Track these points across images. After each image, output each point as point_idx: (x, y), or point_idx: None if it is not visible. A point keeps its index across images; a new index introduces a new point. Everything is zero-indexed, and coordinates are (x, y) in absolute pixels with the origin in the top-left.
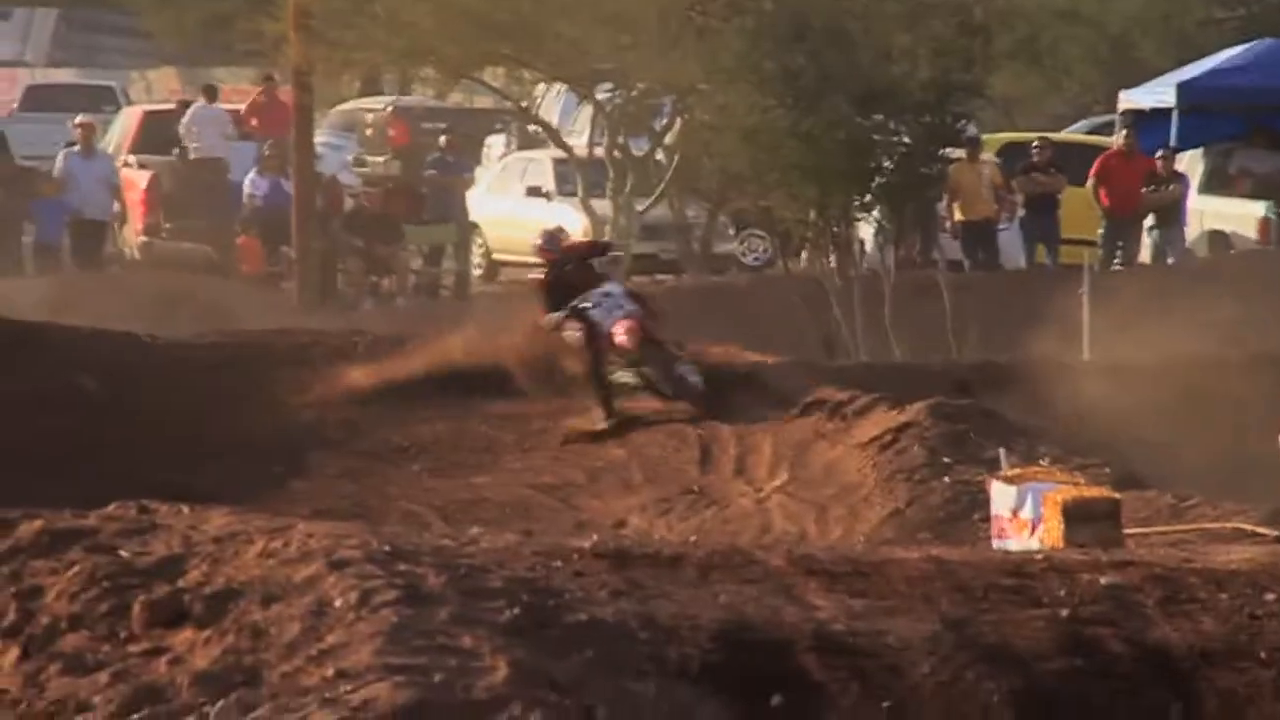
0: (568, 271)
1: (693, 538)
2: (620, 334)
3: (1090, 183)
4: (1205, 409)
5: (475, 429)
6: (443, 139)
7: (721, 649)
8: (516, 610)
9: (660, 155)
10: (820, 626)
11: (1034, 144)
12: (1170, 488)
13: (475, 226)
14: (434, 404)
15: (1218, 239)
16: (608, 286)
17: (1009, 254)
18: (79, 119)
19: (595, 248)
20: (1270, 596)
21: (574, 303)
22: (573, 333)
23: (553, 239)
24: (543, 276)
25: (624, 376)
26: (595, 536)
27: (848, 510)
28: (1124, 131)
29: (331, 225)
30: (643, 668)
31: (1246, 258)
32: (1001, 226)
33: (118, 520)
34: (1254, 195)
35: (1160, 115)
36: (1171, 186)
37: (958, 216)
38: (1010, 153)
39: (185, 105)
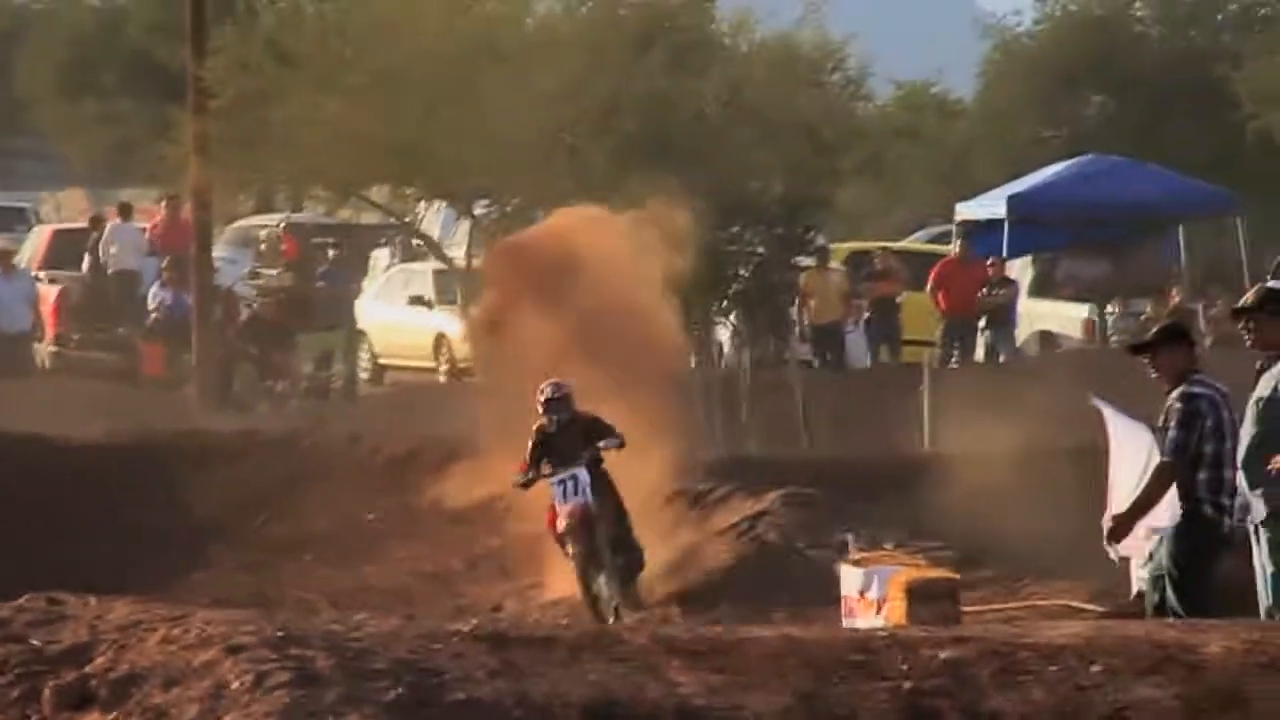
0: (557, 435)
1: (564, 620)
2: (562, 520)
3: (929, 287)
4: (1034, 494)
5: (362, 521)
6: (331, 252)
7: None
8: (400, 690)
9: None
10: (682, 701)
11: (876, 253)
12: (1004, 567)
13: (362, 333)
14: (323, 499)
15: (1046, 338)
16: (575, 470)
17: (855, 354)
18: None
19: (599, 429)
20: (1095, 668)
21: (545, 474)
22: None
23: (561, 400)
24: (535, 437)
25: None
26: (474, 620)
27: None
28: (959, 240)
29: (228, 333)
30: None
31: (1072, 355)
32: (848, 329)
33: (29, 611)
34: (1078, 298)
35: (993, 225)
36: (1002, 291)
37: (808, 320)
38: (856, 261)
39: (98, 222)
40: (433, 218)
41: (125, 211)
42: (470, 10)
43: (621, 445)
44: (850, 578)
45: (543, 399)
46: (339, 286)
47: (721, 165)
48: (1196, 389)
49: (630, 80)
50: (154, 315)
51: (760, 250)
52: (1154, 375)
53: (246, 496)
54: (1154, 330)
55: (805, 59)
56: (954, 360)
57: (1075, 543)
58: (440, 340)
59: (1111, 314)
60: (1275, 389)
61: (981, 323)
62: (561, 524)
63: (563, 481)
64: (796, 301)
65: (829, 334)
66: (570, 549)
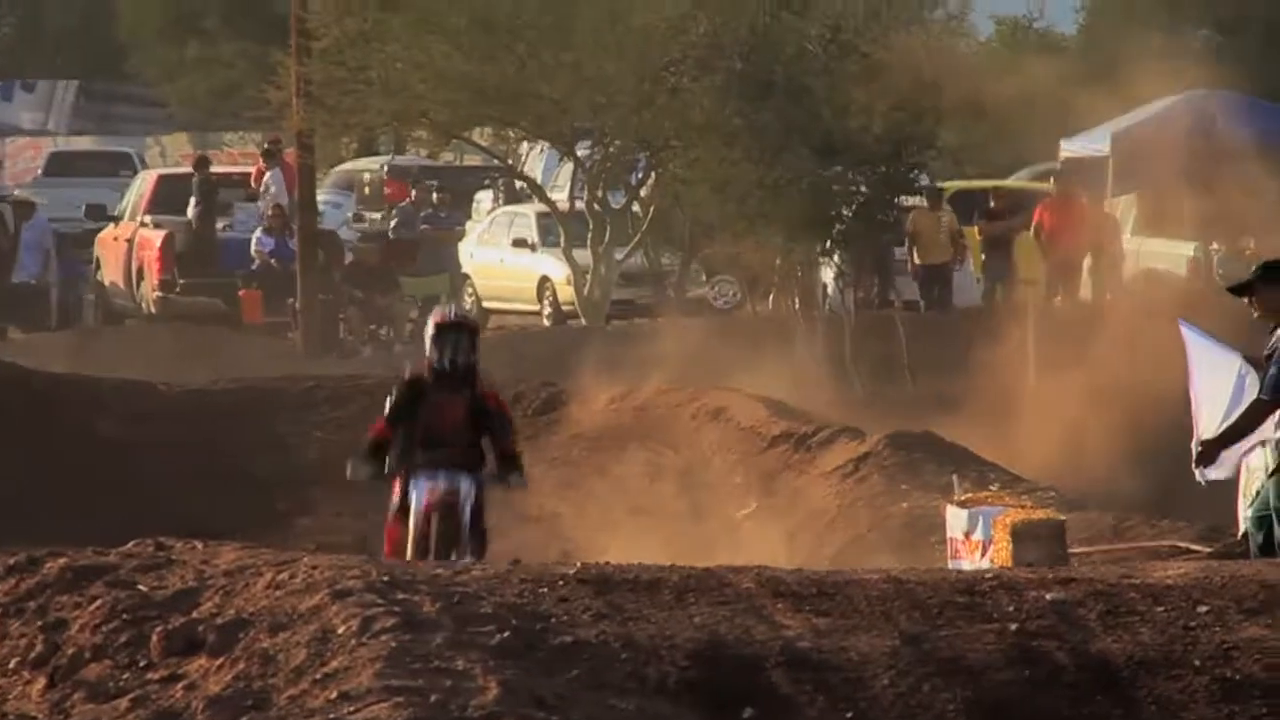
0: (439, 400)
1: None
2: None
3: (1033, 226)
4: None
5: None
6: (434, 195)
7: (697, 666)
8: (506, 634)
9: (636, 207)
10: (788, 644)
11: (991, 191)
12: (1111, 507)
13: (466, 277)
14: None
15: (1152, 276)
16: (457, 478)
17: (961, 294)
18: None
19: (502, 428)
20: (1203, 609)
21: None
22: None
23: (464, 339)
24: (404, 388)
25: None
26: (579, 563)
27: (814, 535)
28: (1062, 178)
29: (333, 278)
30: (624, 685)
31: (1177, 294)
32: (955, 268)
33: (136, 557)
34: (1183, 236)
35: (1098, 162)
36: (1114, 229)
37: (916, 260)
38: (961, 200)
39: (203, 165)
40: (535, 160)
41: (273, 155)
42: None
43: (524, 485)
44: (955, 519)
45: (432, 330)
46: (442, 230)
47: (824, 104)
48: None
49: (732, 18)
50: (256, 261)
51: (863, 190)
52: (1256, 316)
53: (351, 442)
54: (1254, 269)
55: None
56: (1059, 298)
57: (1183, 480)
58: (544, 283)
59: (1217, 251)
60: None
61: (1088, 261)
62: (413, 517)
63: (433, 478)
64: (905, 242)
65: (937, 274)
66: (410, 554)
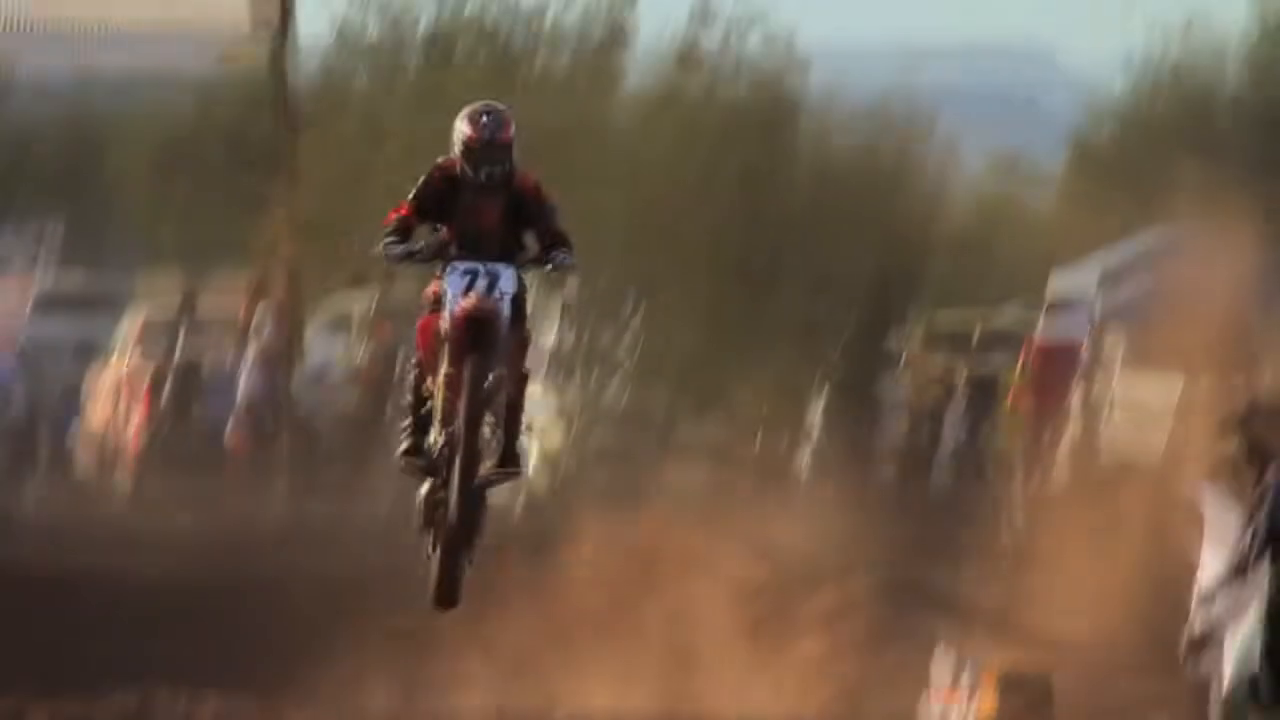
0: (473, 194)
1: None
2: (454, 311)
3: (1020, 364)
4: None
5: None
6: None
7: None
8: None
9: (625, 343)
10: None
11: (975, 328)
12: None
13: None
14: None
15: (1139, 413)
16: (500, 266)
17: (951, 433)
18: None
19: (547, 219)
20: None
21: (436, 251)
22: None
23: (501, 132)
24: (432, 178)
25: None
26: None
27: (802, 682)
28: (1050, 315)
29: (322, 415)
30: None
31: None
32: (947, 409)
33: (119, 707)
34: (1169, 371)
35: (1085, 298)
36: (1102, 363)
37: (908, 398)
38: (947, 336)
39: (190, 302)
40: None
41: (262, 292)
42: (563, 86)
43: (571, 264)
44: (941, 666)
45: (462, 144)
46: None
47: (813, 241)
48: None
49: (723, 156)
50: (245, 399)
51: (854, 325)
52: (1246, 453)
53: (337, 580)
54: (1248, 404)
55: (894, 130)
56: (1046, 438)
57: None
58: (528, 424)
59: (1207, 386)
60: None
61: (1077, 396)
62: (447, 319)
63: (470, 272)
64: (898, 378)
65: (930, 412)
66: (446, 366)
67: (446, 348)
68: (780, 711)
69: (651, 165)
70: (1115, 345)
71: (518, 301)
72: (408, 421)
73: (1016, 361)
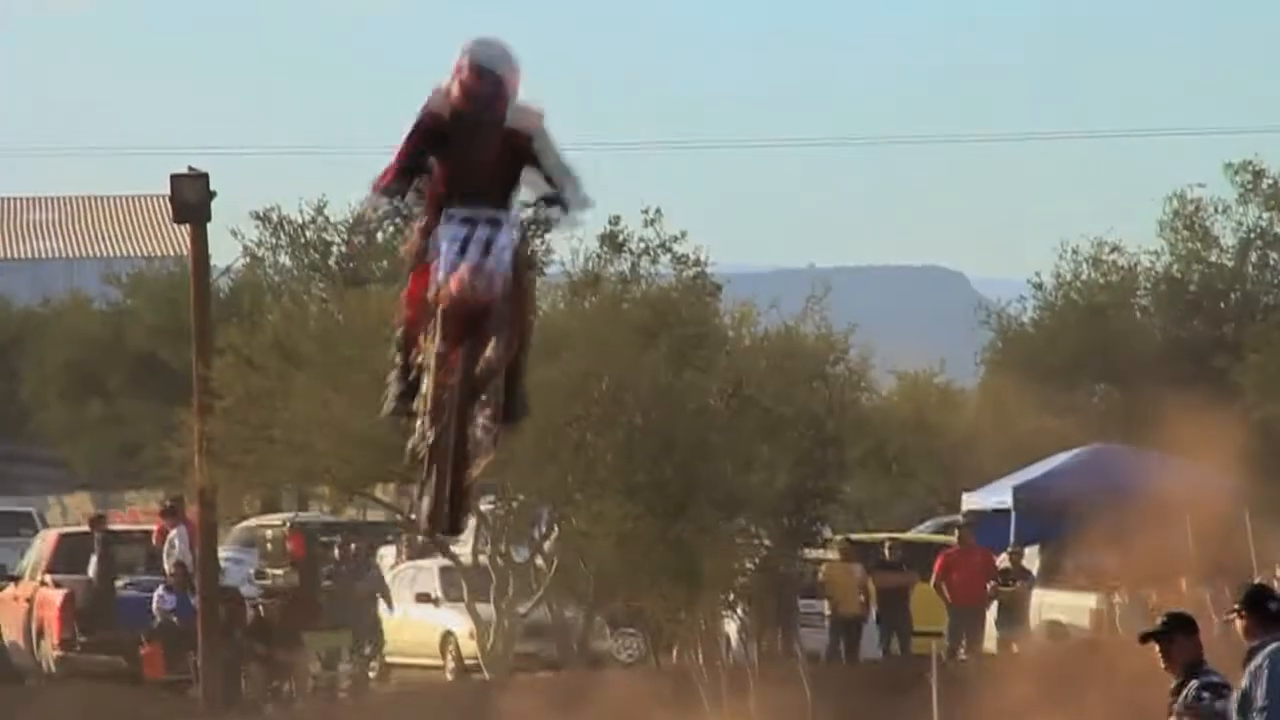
0: (468, 138)
1: None
2: (445, 284)
3: (935, 577)
4: None
5: None
6: (337, 551)
7: None
8: None
9: (539, 561)
10: None
11: (885, 543)
12: None
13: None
14: None
15: (1055, 628)
16: (495, 217)
17: (866, 646)
18: None
19: (554, 164)
20: None
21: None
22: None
23: (499, 72)
24: (424, 119)
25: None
26: None
27: None
28: (964, 530)
29: (235, 634)
30: None
31: (1082, 645)
32: (864, 621)
33: None
34: (1086, 588)
35: (999, 515)
36: (1019, 583)
37: (829, 612)
38: (862, 552)
39: (100, 524)
40: None
41: (174, 512)
42: None
43: (588, 203)
44: None
45: (467, 74)
46: (345, 585)
47: (727, 458)
48: (1214, 678)
49: (635, 375)
50: (158, 618)
51: (767, 543)
52: (1164, 665)
53: None
54: (1164, 619)
55: (808, 351)
56: (962, 651)
57: None
58: (447, 637)
59: (1120, 603)
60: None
61: (993, 613)
62: (438, 289)
63: (466, 227)
64: (813, 593)
65: (849, 626)
66: (438, 342)
67: (439, 320)
68: None
69: (564, 386)
70: (1029, 561)
71: (525, 282)
72: (394, 376)
73: (931, 574)
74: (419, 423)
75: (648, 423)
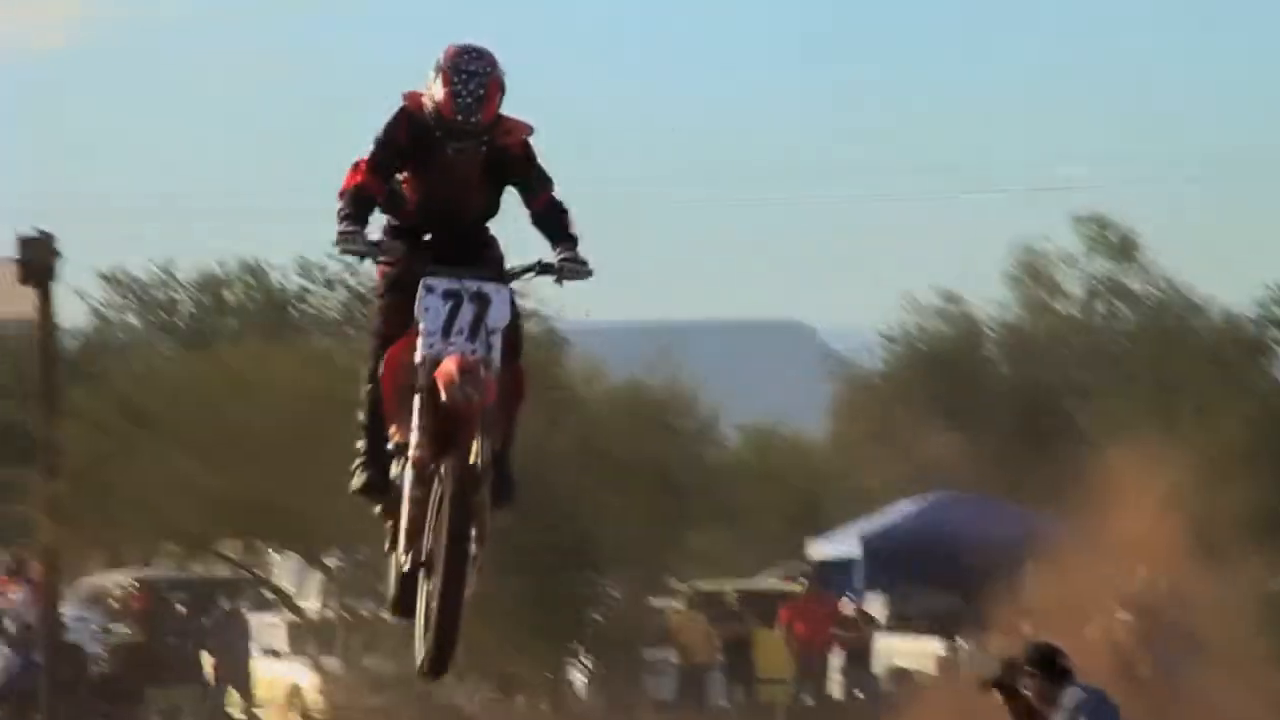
0: (448, 156)
1: None
2: (449, 369)
3: (781, 625)
4: None
5: None
6: (181, 607)
7: None
8: None
9: (386, 614)
10: None
11: (731, 592)
12: None
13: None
14: None
15: (901, 674)
16: (482, 284)
17: (712, 693)
18: None
19: (546, 197)
20: None
21: (394, 248)
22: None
23: (482, 73)
24: (398, 120)
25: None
26: None
27: None
28: (809, 577)
29: (79, 692)
30: None
31: (926, 691)
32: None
33: None
34: (931, 633)
35: (846, 562)
36: (864, 629)
37: (677, 661)
38: (708, 601)
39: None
40: (284, 569)
41: (18, 572)
42: (320, 365)
43: (589, 273)
44: None
45: (443, 83)
46: (189, 640)
47: (573, 508)
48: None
49: None
50: (2, 677)
51: (614, 594)
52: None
53: None
54: (1029, 654)
55: (655, 405)
56: (808, 698)
57: None
58: (294, 692)
59: (964, 649)
60: None
61: (839, 660)
62: (421, 375)
63: (451, 295)
64: (658, 641)
65: (696, 673)
66: (417, 441)
67: (417, 409)
68: None
69: None
70: (875, 608)
71: (516, 339)
72: (361, 446)
73: (775, 622)
74: (396, 533)
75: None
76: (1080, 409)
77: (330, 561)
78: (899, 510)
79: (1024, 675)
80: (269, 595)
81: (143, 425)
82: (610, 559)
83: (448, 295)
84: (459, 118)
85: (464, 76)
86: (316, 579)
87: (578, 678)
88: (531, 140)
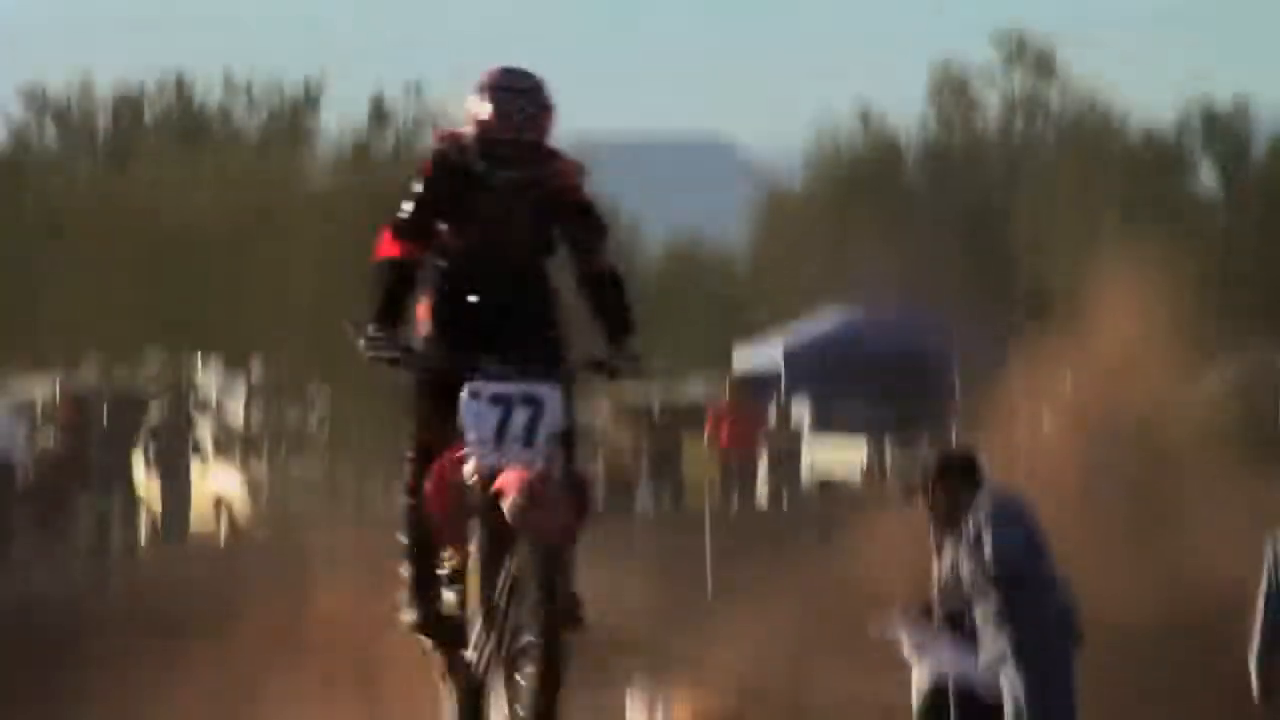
0: (492, 207)
1: None
2: (512, 490)
3: (706, 433)
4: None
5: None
6: (107, 416)
7: None
8: None
9: (312, 421)
10: None
11: (655, 401)
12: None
13: (138, 494)
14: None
15: (825, 480)
16: (540, 390)
17: (641, 502)
18: None
19: (590, 220)
20: None
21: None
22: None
23: (532, 102)
24: (431, 173)
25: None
26: None
27: None
28: (733, 385)
29: (6, 498)
30: None
31: (850, 498)
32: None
33: None
34: (855, 442)
35: (770, 371)
36: (789, 436)
37: (601, 468)
38: (633, 410)
39: None
40: (210, 376)
41: None
42: (243, 178)
43: (637, 367)
44: (635, 706)
45: (489, 98)
46: (115, 448)
47: None
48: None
49: None
50: None
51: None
52: (931, 513)
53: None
54: (939, 461)
55: None
56: (734, 504)
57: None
58: (219, 499)
59: (889, 455)
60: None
61: (763, 468)
62: (479, 484)
63: (500, 399)
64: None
65: (624, 485)
66: (476, 554)
67: (479, 542)
68: None
69: (332, 247)
70: (799, 414)
71: (567, 429)
72: (404, 574)
73: (702, 431)
74: (454, 663)
75: None
76: (1002, 222)
77: (255, 370)
78: (823, 320)
79: (943, 480)
80: (194, 405)
81: (66, 237)
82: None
83: (496, 400)
84: (508, 135)
85: (512, 94)
86: (242, 387)
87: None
88: (584, 183)
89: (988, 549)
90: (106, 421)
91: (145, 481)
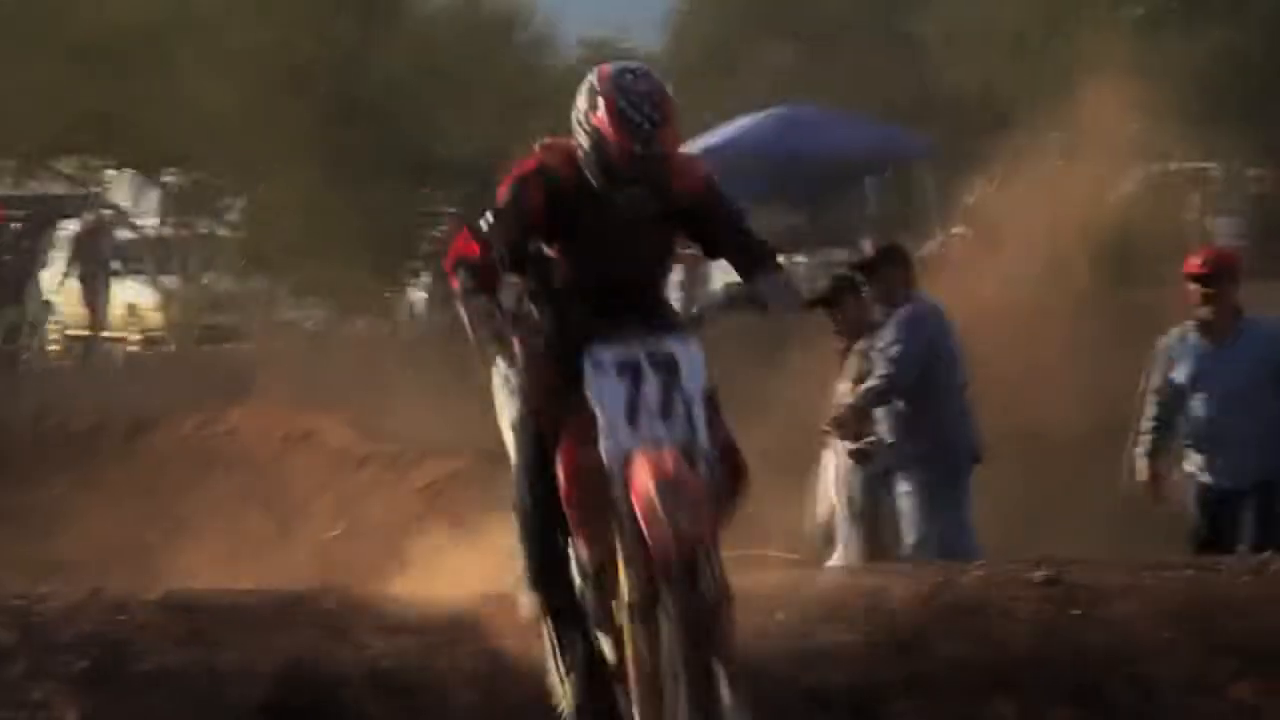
0: (605, 211)
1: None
2: (644, 485)
3: None
4: None
5: (49, 494)
6: (16, 225)
7: (280, 690)
8: (86, 663)
9: (225, 231)
10: (372, 664)
11: None
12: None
13: (49, 304)
14: (9, 473)
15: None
16: (670, 344)
17: None
18: None
19: (722, 208)
20: (780, 616)
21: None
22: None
23: (658, 101)
24: (534, 184)
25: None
26: (162, 590)
27: (397, 550)
28: None
29: None
30: (206, 711)
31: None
32: None
33: None
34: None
35: None
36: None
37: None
38: None
39: None
40: (122, 186)
41: None
42: None
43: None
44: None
45: (608, 114)
46: (26, 258)
47: (412, 127)
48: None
49: (321, 44)
50: None
51: (454, 211)
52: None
53: None
54: (884, 249)
55: (492, 19)
56: None
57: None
58: (131, 309)
59: (805, 264)
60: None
61: (678, 276)
62: (615, 474)
63: (627, 367)
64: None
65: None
66: (626, 557)
67: (625, 537)
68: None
69: (249, 53)
70: None
71: (708, 390)
72: (523, 559)
73: None
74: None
75: (334, 92)
76: (922, 21)
77: (169, 178)
78: (738, 124)
79: (884, 266)
80: (106, 213)
81: None
82: (451, 177)
83: (622, 369)
84: (636, 149)
85: (634, 98)
86: (154, 195)
87: (418, 298)
88: (713, 184)
89: (894, 350)
90: (18, 231)
91: (59, 291)
